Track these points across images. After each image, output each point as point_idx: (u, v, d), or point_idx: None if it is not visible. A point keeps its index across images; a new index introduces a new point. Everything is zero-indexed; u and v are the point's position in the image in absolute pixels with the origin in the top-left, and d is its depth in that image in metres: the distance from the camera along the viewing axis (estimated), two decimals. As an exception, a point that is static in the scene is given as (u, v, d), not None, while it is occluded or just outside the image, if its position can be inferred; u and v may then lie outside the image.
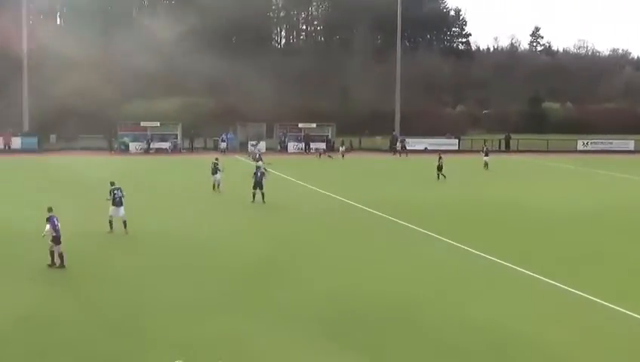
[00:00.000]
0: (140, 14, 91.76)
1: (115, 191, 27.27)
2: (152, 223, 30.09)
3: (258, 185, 36.58)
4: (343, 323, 17.46)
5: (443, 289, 20.77)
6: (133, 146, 70.52)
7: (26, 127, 73.63)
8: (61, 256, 21.91)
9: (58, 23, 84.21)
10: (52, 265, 21.97)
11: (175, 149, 72.04)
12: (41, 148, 69.74)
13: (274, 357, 15.46)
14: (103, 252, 24.96)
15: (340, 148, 69.92)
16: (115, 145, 70.23)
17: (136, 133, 72.17)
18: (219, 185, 40.47)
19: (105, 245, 26.08)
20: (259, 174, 36.95)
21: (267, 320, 17.63)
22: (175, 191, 41.37)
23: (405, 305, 19.01)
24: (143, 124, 72.17)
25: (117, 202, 27.18)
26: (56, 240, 21.75)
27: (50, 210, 22.16)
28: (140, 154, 68.75)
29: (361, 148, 78.24)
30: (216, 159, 41.97)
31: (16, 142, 69.93)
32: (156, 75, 78.11)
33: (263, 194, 36.46)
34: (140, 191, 37.91)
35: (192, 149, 73.07)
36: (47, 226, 21.65)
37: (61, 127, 73.20)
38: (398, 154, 71.10)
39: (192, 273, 22.25)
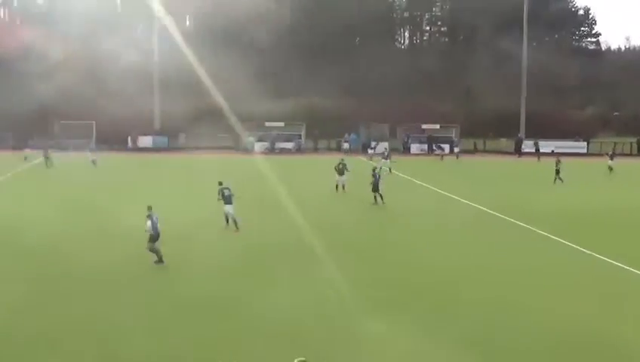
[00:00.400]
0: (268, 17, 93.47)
1: (224, 190, 28.42)
2: (267, 224, 30.82)
3: (375, 187, 36.81)
4: (451, 322, 17.56)
5: (562, 293, 20.45)
6: (258, 146, 72.29)
7: (157, 127, 76.83)
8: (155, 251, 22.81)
9: (187, 24, 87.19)
10: (159, 261, 22.68)
11: (299, 149, 73.37)
12: (171, 146, 72.66)
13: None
14: (205, 247, 25.88)
15: (455, 150, 69.54)
16: (241, 145, 72.19)
17: (261, 132, 74.02)
18: (343, 186, 40.69)
19: (211, 241, 26.99)
20: (377, 177, 37.18)
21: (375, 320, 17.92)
22: (298, 190, 41.73)
23: (523, 308, 18.85)
24: (267, 124, 73.92)
25: (227, 200, 28.32)
26: (153, 238, 22.55)
27: (149, 208, 22.85)
28: (265, 153, 70.37)
29: (485, 151, 77.28)
30: (342, 160, 42.25)
31: (148, 140, 73.11)
32: (281, 75, 79.72)
33: (381, 196, 36.59)
34: (262, 191, 39.07)
35: (315, 149, 74.19)
36: (148, 223, 22.44)
37: (190, 126, 75.88)
38: (537, 158, 68.73)
39: (302, 276, 22.63)
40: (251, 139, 72.79)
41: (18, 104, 66.89)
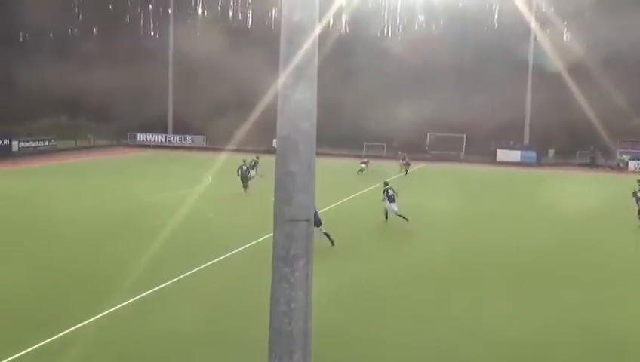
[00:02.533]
0: None
1: (388, 191, 32.06)
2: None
3: None
4: None
5: None
6: (632, 165, 68.32)
7: (525, 141, 76.03)
8: (327, 235, 26.46)
9: (564, 39, 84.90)
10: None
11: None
12: (539, 162, 71.30)
13: None
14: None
15: None
16: (613, 163, 68.89)
17: (637, 150, 69.98)
18: None
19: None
20: None
21: None
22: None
23: None
24: (646, 141, 69.79)
25: (390, 199, 31.86)
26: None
27: None
28: (638, 173, 66.10)
29: None
30: None
31: (516, 155, 72.66)
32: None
33: None
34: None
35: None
36: None
37: (557, 142, 73.97)
38: None
39: None
40: (624, 157, 69.12)
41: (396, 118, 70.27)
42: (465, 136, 74.93)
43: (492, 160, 71.58)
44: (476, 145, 73.86)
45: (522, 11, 72.94)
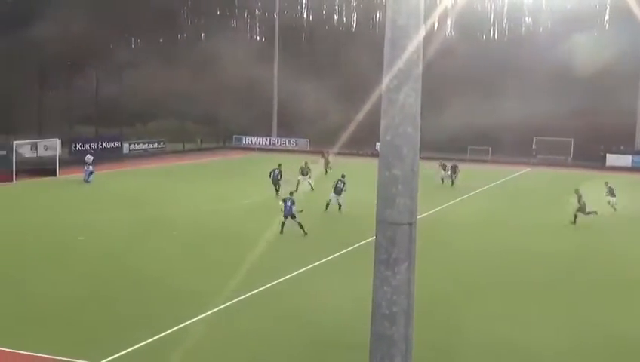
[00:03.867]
0: None
1: (339, 183, 35.30)
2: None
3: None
4: None
5: None
6: None
7: (637, 146, 73.32)
8: (300, 226, 29.13)
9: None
10: (281, 232, 29.19)
11: None
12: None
13: None
14: None
15: None
16: None
17: None
18: None
19: None
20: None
21: None
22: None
23: None
24: None
25: (337, 190, 35.15)
26: (285, 215, 29.27)
27: (291, 193, 30.44)
28: None
29: None
30: None
31: (627, 160, 70.13)
32: None
33: None
34: None
35: None
36: (280, 203, 29.84)
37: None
38: None
39: None
40: None
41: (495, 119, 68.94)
42: (572, 140, 72.85)
43: (601, 165, 69.14)
44: (584, 149, 71.64)
45: (635, 11, 70.30)
